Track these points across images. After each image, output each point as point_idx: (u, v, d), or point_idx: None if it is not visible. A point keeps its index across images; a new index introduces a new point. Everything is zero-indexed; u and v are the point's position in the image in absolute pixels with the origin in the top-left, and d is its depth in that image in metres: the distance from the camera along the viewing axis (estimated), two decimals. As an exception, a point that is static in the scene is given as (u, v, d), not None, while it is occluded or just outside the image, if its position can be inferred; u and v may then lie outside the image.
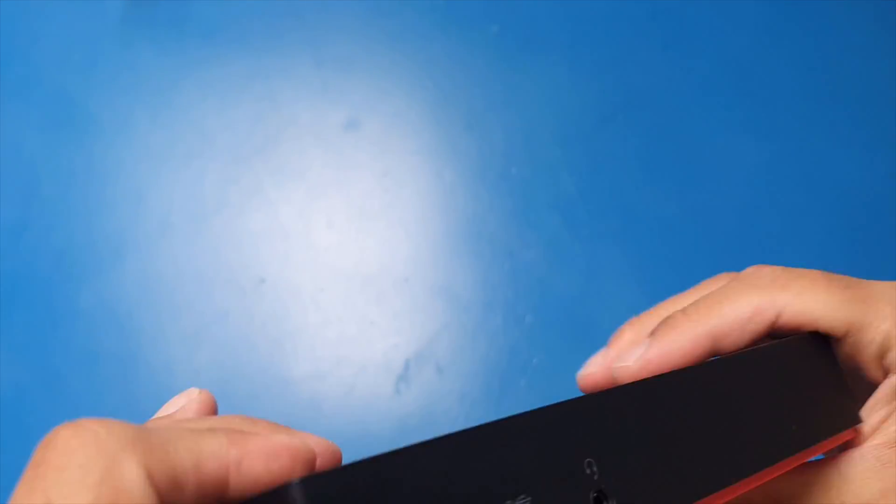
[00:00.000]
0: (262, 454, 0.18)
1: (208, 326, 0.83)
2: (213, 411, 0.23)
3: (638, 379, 0.24)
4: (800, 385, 0.25)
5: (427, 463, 0.18)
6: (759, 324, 0.27)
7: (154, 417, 0.22)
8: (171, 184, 0.87)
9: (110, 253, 0.84)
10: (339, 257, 0.85)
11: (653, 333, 0.29)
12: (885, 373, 0.28)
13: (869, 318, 0.27)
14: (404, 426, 0.81)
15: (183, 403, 0.22)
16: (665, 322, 0.29)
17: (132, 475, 0.16)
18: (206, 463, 0.18)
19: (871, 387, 0.29)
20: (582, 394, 0.23)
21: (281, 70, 0.92)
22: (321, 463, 0.21)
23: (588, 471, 0.20)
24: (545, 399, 0.81)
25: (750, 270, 0.29)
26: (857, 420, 0.26)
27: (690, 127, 0.91)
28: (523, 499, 0.19)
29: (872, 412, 0.28)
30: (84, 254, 0.85)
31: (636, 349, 0.29)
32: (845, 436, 0.26)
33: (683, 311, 0.28)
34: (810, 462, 0.28)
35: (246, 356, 0.82)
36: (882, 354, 0.28)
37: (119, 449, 0.16)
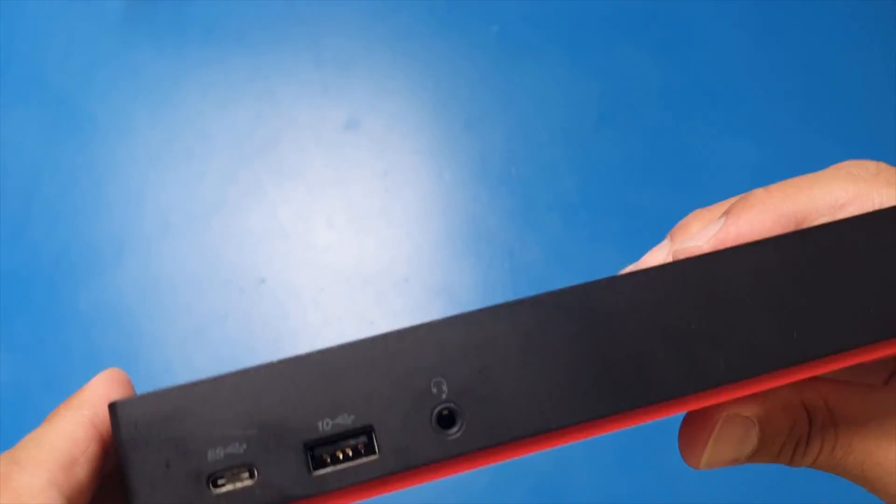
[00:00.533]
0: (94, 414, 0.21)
1: (208, 326, 0.83)
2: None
3: None
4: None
5: (257, 384, 0.20)
6: (852, 215, 0.23)
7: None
8: (170, 184, 0.87)
9: (110, 253, 0.84)
10: (339, 257, 0.85)
11: (728, 212, 0.25)
12: None
13: None
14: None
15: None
16: (744, 199, 0.25)
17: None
18: (61, 454, 0.20)
19: None
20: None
21: (281, 70, 0.92)
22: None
23: (435, 390, 0.20)
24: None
25: (849, 161, 0.25)
26: None
27: (690, 127, 0.91)
28: (346, 416, 0.20)
29: None
30: (84, 254, 0.85)
31: (708, 228, 0.25)
32: None
33: (766, 189, 0.25)
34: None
35: (246, 356, 0.82)
36: None
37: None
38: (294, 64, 0.92)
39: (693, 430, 0.24)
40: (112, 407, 0.20)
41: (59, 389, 0.81)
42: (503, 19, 0.93)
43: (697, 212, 0.27)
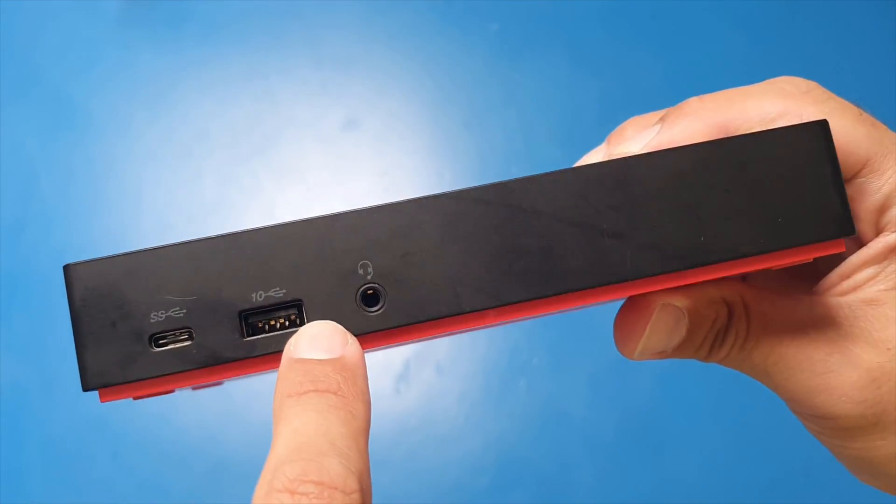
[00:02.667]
0: None
1: (207, 326, 0.82)
2: None
3: None
4: (791, 180, 0.23)
5: (198, 256, 0.22)
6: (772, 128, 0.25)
7: None
8: (169, 183, 0.87)
9: (109, 252, 0.84)
10: (338, 257, 0.85)
11: (663, 119, 0.27)
12: (878, 230, 0.26)
13: (888, 163, 0.25)
14: (404, 426, 0.81)
15: None
16: (678, 107, 0.27)
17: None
18: None
19: (855, 242, 0.27)
20: None
21: (280, 69, 0.91)
22: None
23: (361, 271, 0.22)
24: (547, 400, 0.81)
25: (783, 78, 0.27)
26: (852, 230, 0.23)
27: (690, 126, 0.91)
28: (277, 290, 0.22)
29: (857, 269, 0.26)
30: (83, 253, 0.84)
31: (643, 134, 0.27)
32: (834, 246, 0.24)
33: (700, 98, 0.26)
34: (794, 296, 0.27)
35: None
36: (883, 208, 0.26)
37: None
38: (293, 62, 0.92)
39: (630, 318, 0.26)
40: (66, 269, 0.23)
41: (58, 389, 0.81)
42: (503, 18, 0.93)
43: (634, 118, 0.29)
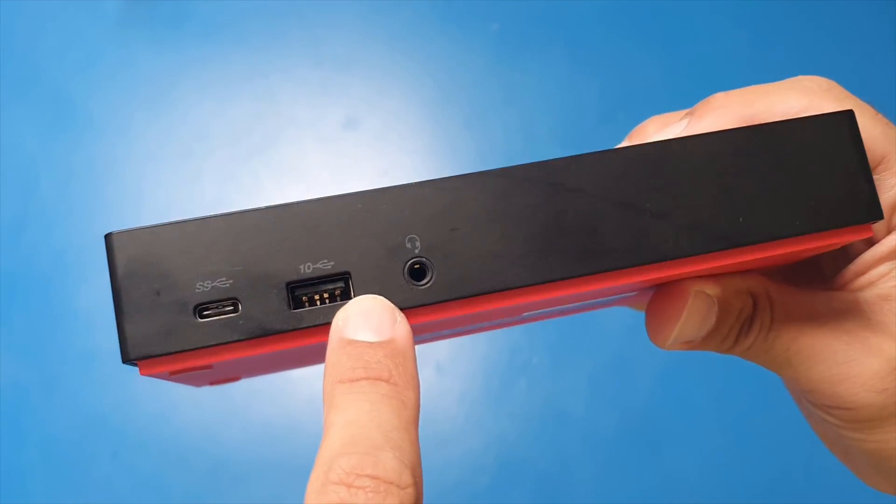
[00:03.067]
0: None
1: (207, 326, 0.82)
2: None
3: None
4: (818, 168, 0.24)
5: (246, 226, 0.22)
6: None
7: None
8: (169, 182, 0.87)
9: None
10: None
11: (691, 112, 0.28)
12: (890, 227, 0.27)
13: None
14: (404, 426, 0.80)
15: None
16: (706, 102, 0.27)
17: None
18: None
19: (865, 240, 0.28)
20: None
21: (280, 69, 0.91)
22: None
23: (409, 245, 0.22)
24: (546, 400, 0.81)
25: (805, 76, 0.28)
26: (880, 214, 0.24)
27: (690, 126, 0.90)
28: (325, 262, 0.22)
29: (871, 266, 0.27)
30: (83, 253, 0.84)
31: (667, 130, 0.27)
32: (863, 230, 0.24)
33: (727, 93, 0.27)
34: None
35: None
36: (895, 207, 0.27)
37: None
38: (293, 62, 0.92)
39: (664, 306, 0.27)
40: (108, 237, 0.22)
41: (57, 389, 0.81)
42: (503, 17, 0.93)
43: (654, 117, 0.30)
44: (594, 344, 0.82)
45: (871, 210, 0.24)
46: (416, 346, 0.23)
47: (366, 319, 0.21)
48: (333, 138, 0.89)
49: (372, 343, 0.21)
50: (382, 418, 0.20)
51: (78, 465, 0.79)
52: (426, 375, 0.82)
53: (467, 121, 0.90)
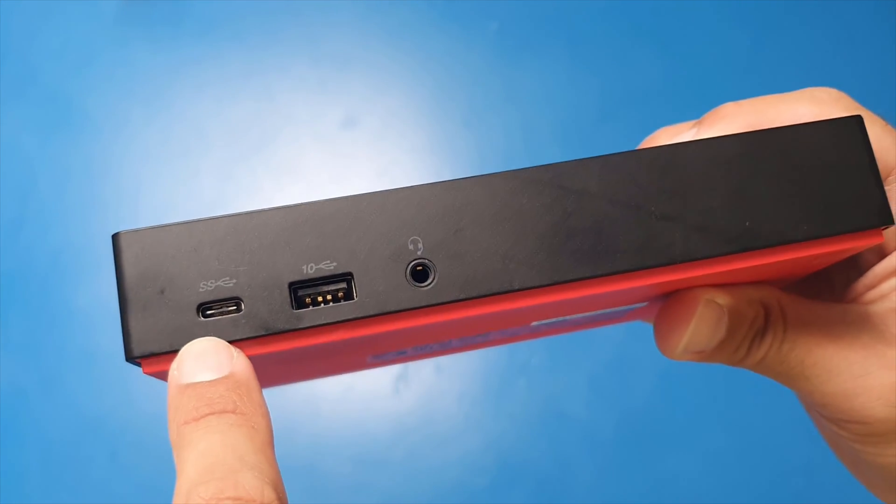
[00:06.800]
0: None
1: (205, 326, 0.82)
2: None
3: None
4: (826, 172, 0.24)
5: (249, 227, 0.22)
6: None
7: None
8: (166, 181, 0.87)
9: (107, 252, 0.83)
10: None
11: (701, 122, 0.28)
12: None
13: None
14: (403, 426, 0.80)
15: None
16: (715, 111, 0.27)
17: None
18: None
19: (876, 253, 0.27)
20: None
21: (278, 67, 0.91)
22: None
23: (412, 247, 0.22)
24: (547, 400, 0.80)
25: (813, 88, 0.28)
26: (892, 220, 0.24)
27: (690, 124, 0.90)
28: (328, 263, 0.22)
29: (882, 280, 0.27)
30: (81, 252, 0.84)
31: (679, 138, 0.27)
32: (874, 236, 0.24)
33: (737, 103, 0.27)
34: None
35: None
36: None
37: None
38: (291, 60, 0.91)
39: (673, 314, 0.27)
40: (115, 237, 0.23)
41: (56, 389, 0.80)
42: (502, 16, 0.93)
43: (665, 128, 0.30)
44: (594, 344, 0.82)
45: (881, 215, 0.24)
46: (426, 359, 0.23)
47: (200, 361, 0.21)
48: (332, 137, 0.89)
49: (211, 381, 0.21)
50: (236, 444, 0.20)
51: (76, 466, 0.79)
52: (426, 375, 0.82)
53: (466, 120, 0.90)
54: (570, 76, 0.91)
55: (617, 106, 0.90)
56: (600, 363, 0.82)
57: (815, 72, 0.92)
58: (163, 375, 0.22)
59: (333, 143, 0.89)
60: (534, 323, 0.28)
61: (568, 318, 0.29)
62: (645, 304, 0.29)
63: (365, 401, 0.81)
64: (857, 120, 0.24)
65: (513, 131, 0.89)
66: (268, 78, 0.91)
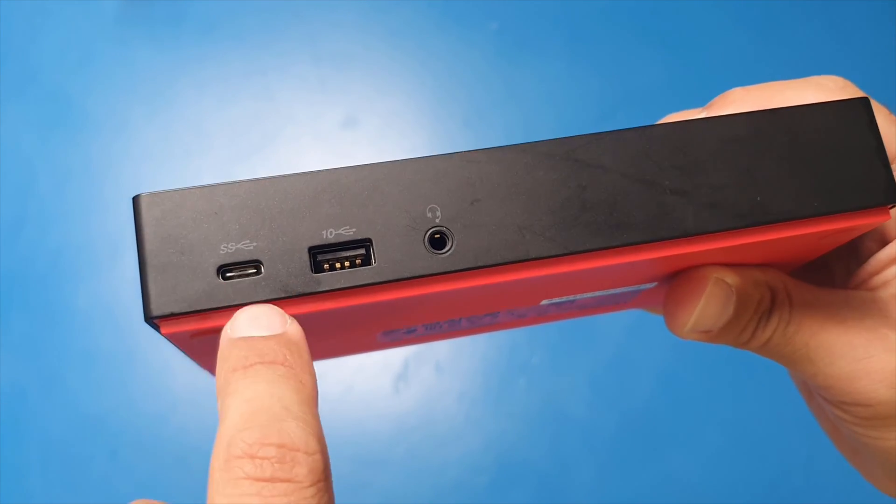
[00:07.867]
0: None
1: (206, 325, 0.82)
2: None
3: None
4: (831, 151, 0.24)
5: (270, 192, 0.22)
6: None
7: None
8: (167, 181, 0.87)
9: (107, 252, 0.84)
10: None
11: (709, 106, 0.28)
12: None
13: None
14: (403, 425, 0.80)
15: None
16: (723, 96, 0.28)
17: None
18: None
19: (878, 241, 0.28)
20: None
21: (278, 67, 0.91)
22: None
23: (430, 215, 0.23)
24: (547, 400, 0.80)
25: (820, 76, 0.28)
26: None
27: (691, 124, 0.90)
28: (348, 229, 0.22)
29: (885, 266, 0.28)
30: (81, 253, 0.84)
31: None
32: (881, 214, 0.25)
33: (745, 88, 0.28)
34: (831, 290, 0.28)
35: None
36: None
37: None
38: (291, 60, 0.91)
39: (683, 292, 0.27)
40: (136, 199, 0.22)
41: (56, 389, 0.80)
42: (502, 16, 0.93)
43: (672, 115, 0.30)
44: (594, 344, 0.82)
45: (888, 192, 0.24)
46: (435, 340, 0.23)
47: (255, 321, 0.21)
48: (332, 137, 0.89)
49: (264, 336, 0.21)
50: (282, 394, 0.20)
51: (76, 466, 0.79)
52: (426, 375, 0.82)
53: (467, 119, 0.90)
54: (571, 75, 0.91)
55: (617, 105, 0.90)
56: (600, 363, 0.82)
57: (816, 71, 0.92)
58: (181, 337, 0.22)
59: (334, 142, 0.89)
60: (543, 301, 0.28)
61: (577, 297, 0.29)
62: (653, 285, 0.29)
63: (365, 400, 0.81)
64: (864, 101, 0.25)
65: (513, 131, 0.89)
66: (268, 77, 0.91)
